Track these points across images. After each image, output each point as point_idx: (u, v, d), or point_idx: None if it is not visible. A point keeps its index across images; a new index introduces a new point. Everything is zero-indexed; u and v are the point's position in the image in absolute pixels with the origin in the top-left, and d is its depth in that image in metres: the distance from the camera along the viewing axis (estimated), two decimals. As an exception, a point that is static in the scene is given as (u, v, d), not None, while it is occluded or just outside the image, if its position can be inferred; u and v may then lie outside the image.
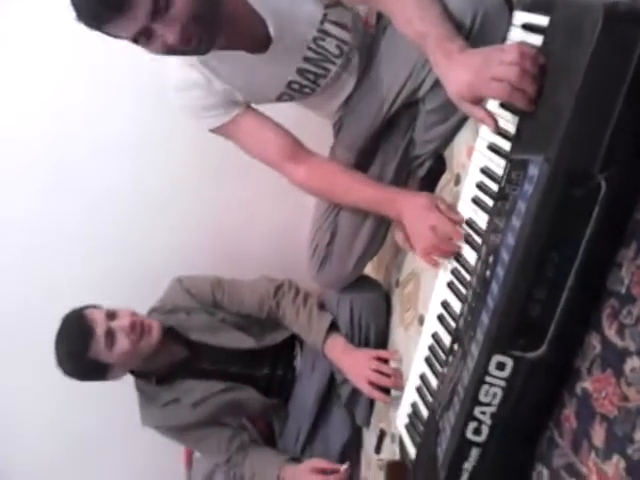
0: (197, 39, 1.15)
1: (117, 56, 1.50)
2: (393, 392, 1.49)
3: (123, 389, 1.72)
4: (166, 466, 2.07)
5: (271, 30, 1.25)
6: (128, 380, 1.72)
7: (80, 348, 1.54)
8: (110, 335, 1.55)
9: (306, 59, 1.33)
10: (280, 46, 1.28)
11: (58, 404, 2.06)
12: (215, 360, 1.74)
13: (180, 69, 1.33)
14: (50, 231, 1.98)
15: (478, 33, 1.09)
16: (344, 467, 1.55)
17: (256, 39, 1.27)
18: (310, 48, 1.31)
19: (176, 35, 1.12)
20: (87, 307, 1.61)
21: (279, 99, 1.42)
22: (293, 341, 1.78)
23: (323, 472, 1.59)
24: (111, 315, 1.58)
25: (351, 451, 1.72)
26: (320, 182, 1.42)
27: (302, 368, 1.77)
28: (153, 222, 2.03)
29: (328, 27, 1.29)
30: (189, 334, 1.73)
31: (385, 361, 1.53)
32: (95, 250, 2.01)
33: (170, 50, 1.16)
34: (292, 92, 1.40)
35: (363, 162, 1.46)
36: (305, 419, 1.71)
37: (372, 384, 1.50)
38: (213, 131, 1.41)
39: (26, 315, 1.97)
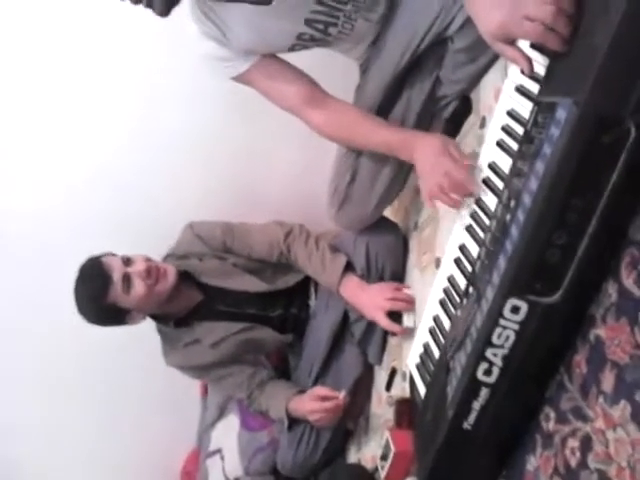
0: None
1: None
2: (405, 322, 1.52)
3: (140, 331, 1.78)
4: (182, 394, 2.14)
5: None
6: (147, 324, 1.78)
7: (99, 294, 1.60)
8: (127, 280, 1.60)
9: (313, 12, 1.30)
10: (284, 2, 1.24)
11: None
12: (230, 303, 1.78)
13: (195, 22, 1.33)
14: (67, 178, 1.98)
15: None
16: (342, 394, 1.60)
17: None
18: (318, 1, 1.28)
19: None
20: (104, 254, 1.65)
21: (292, 49, 1.40)
22: (307, 283, 1.81)
23: (324, 399, 1.63)
24: (127, 261, 1.63)
25: (362, 387, 1.76)
26: (338, 127, 1.41)
27: (316, 307, 1.80)
28: (171, 166, 2.01)
29: None
30: (203, 278, 1.77)
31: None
32: (113, 196, 2.00)
33: None
34: (304, 42, 1.37)
35: (389, 100, 1.43)
36: (318, 354, 1.75)
37: (389, 315, 1.53)
38: (233, 79, 1.41)
39: (46, 260, 1.98)
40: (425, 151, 1.24)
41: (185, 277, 1.74)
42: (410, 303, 1.53)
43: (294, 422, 1.73)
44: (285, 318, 1.81)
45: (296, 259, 1.72)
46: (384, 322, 1.55)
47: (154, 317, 1.78)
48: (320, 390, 1.66)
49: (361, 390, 1.76)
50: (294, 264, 1.74)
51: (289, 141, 1.97)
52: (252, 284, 1.77)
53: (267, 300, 1.79)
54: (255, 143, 2.02)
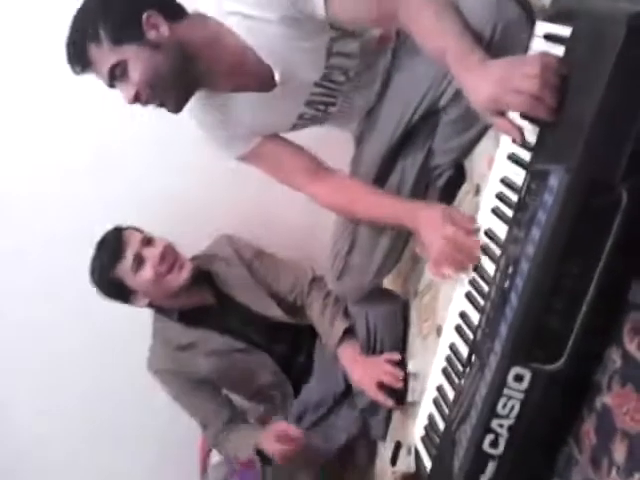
0: (158, 102, 1.23)
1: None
2: (410, 399, 1.49)
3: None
4: (181, 470, 2.07)
5: (277, 76, 1.26)
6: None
7: (107, 264, 1.61)
8: (138, 260, 1.60)
9: (313, 94, 1.35)
10: (286, 88, 1.29)
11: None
12: (239, 319, 1.74)
13: (198, 110, 1.39)
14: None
15: (498, 44, 1.09)
16: (299, 432, 1.55)
17: (263, 82, 1.29)
18: (317, 84, 1.33)
19: (131, 97, 1.22)
20: (129, 228, 1.66)
21: (293, 129, 1.44)
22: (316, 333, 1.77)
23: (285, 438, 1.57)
24: (147, 241, 1.63)
25: (358, 444, 1.71)
26: (340, 201, 1.44)
27: (320, 363, 1.76)
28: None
29: (333, 61, 1.30)
30: (223, 286, 1.74)
31: (397, 365, 1.55)
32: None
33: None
34: (305, 121, 1.42)
35: (384, 171, 1.46)
36: (314, 404, 1.70)
37: (381, 387, 1.52)
38: (238, 159, 1.46)
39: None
40: (428, 221, 1.25)
41: (204, 278, 1.72)
42: (396, 379, 1.51)
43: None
44: (288, 360, 1.77)
45: (311, 305, 1.71)
46: (374, 394, 1.53)
47: (156, 308, 1.73)
48: (279, 426, 1.60)
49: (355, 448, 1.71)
50: (306, 309, 1.73)
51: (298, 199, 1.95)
52: (270, 308, 1.74)
53: (275, 331, 1.75)
54: (262, 199, 2.01)
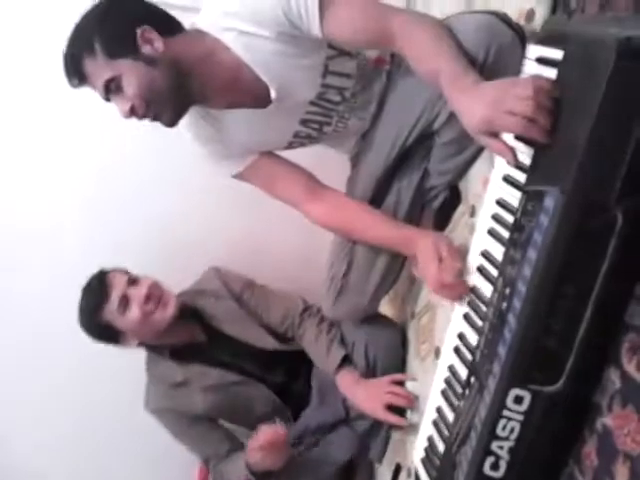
0: (152, 116, 1.24)
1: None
2: (409, 417, 1.48)
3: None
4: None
5: (272, 93, 1.27)
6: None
7: (94, 307, 1.60)
8: (124, 301, 1.59)
9: (309, 112, 1.36)
10: (282, 105, 1.30)
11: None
12: (231, 352, 1.73)
13: (193, 125, 1.39)
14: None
15: (492, 67, 1.10)
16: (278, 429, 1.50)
17: (258, 99, 1.30)
18: (312, 103, 1.34)
19: (126, 112, 1.22)
20: (113, 270, 1.65)
21: (289, 147, 1.45)
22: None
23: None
24: (132, 281, 1.62)
25: (358, 466, 1.69)
26: (338, 220, 1.44)
27: (318, 389, 1.74)
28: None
29: (329, 80, 1.31)
30: (212, 320, 1.73)
31: (400, 384, 1.53)
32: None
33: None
34: (301, 139, 1.43)
35: (379, 193, 1.46)
36: (310, 435, 1.68)
37: (388, 408, 1.49)
38: (233, 177, 1.46)
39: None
40: (424, 250, 1.26)
41: (192, 314, 1.71)
42: (409, 400, 1.48)
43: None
44: (283, 385, 1.75)
45: (303, 335, 1.70)
46: (384, 416, 1.51)
47: (148, 347, 1.72)
48: (258, 439, 1.52)
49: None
50: (299, 340, 1.71)
51: (292, 223, 1.93)
52: (262, 338, 1.72)
53: (269, 361, 1.73)
54: (258, 223, 2.04)
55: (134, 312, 1.59)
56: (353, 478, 1.77)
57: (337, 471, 1.68)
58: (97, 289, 1.61)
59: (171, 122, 1.27)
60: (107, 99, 1.24)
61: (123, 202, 2.00)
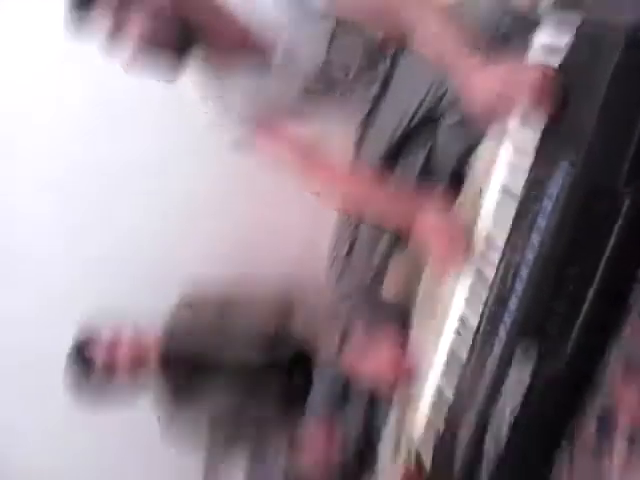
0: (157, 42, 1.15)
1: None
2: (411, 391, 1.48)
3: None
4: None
5: (276, 55, 1.27)
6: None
7: (82, 381, 1.64)
8: (109, 369, 1.64)
9: (310, 82, 1.35)
10: (285, 71, 1.30)
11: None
12: (223, 381, 1.75)
13: (198, 85, 1.37)
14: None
15: (499, 49, 1.10)
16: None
17: (262, 60, 1.29)
18: (315, 76, 1.33)
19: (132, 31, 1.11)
20: (89, 341, 1.66)
21: (299, 107, 1.42)
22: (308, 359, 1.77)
23: None
24: (113, 345, 1.65)
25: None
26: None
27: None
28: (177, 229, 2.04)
29: (334, 55, 1.30)
30: (194, 357, 1.74)
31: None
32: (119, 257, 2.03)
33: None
34: (310, 95, 1.40)
35: (383, 173, 1.46)
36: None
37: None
38: (237, 143, 1.43)
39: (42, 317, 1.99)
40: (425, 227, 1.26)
41: (174, 358, 1.73)
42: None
43: None
44: (283, 389, 1.76)
45: (295, 327, 1.72)
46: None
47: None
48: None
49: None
50: (292, 334, 1.73)
51: (294, 208, 1.95)
52: (247, 355, 1.73)
53: (263, 375, 1.75)
54: (261, 207, 2.02)
55: (122, 377, 1.65)
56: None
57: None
58: (79, 366, 1.64)
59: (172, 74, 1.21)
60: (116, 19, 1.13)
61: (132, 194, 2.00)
